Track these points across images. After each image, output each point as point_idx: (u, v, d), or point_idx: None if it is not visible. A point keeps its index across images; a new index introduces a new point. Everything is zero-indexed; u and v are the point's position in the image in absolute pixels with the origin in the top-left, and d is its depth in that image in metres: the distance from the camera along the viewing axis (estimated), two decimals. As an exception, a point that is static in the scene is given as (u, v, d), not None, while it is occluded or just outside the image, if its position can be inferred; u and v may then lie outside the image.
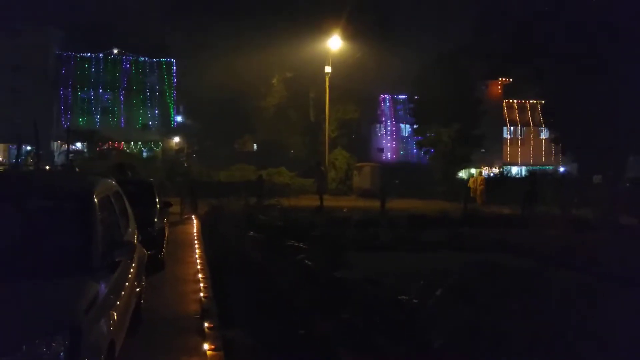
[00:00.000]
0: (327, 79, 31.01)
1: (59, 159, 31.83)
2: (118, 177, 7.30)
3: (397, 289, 5.10)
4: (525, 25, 21.55)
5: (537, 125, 48.22)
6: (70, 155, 27.49)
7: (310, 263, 6.04)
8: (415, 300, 4.29)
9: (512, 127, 49.52)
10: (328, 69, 30.99)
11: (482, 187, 25.36)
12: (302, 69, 32.97)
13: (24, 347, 2.87)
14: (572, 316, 4.14)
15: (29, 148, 36.40)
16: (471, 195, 25.21)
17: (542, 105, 36.06)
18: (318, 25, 30.27)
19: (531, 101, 47.87)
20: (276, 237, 7.79)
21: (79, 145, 35.97)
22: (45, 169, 26.55)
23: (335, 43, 30.74)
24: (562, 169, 41.79)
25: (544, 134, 47.87)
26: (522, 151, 49.55)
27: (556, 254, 9.51)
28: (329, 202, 24.87)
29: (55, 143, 39.10)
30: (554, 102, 25.54)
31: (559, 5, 20.89)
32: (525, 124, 49.62)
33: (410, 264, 8.52)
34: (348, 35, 30.78)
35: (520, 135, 49.87)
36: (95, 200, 4.12)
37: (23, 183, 4.71)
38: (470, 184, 25.87)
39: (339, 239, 6.53)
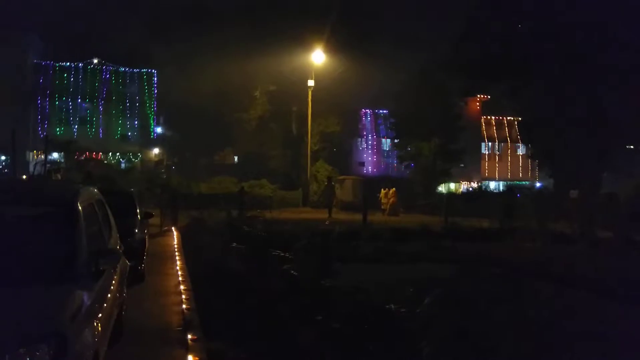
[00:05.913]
0: (309, 93, 31.24)
1: (34, 169, 31.13)
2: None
3: (381, 298, 5.14)
4: (503, 42, 22.13)
5: (514, 141, 49.26)
6: (47, 165, 26.92)
7: (296, 273, 6.03)
8: (402, 310, 4.34)
9: (490, 143, 50.45)
10: (311, 83, 31.25)
11: (392, 199, 25.89)
12: (285, 82, 33.15)
13: (7, 356, 2.79)
14: (554, 324, 4.25)
15: (3, 157, 35.57)
16: (382, 207, 25.86)
17: (519, 122, 36.89)
18: (301, 39, 30.56)
19: (508, 118, 48.93)
20: (260, 248, 7.77)
21: (55, 155, 35.27)
22: (22, 178, 25.94)
23: (318, 57, 31.06)
24: (538, 184, 42.64)
25: (521, 150, 48.91)
26: (500, 166, 50.46)
27: (535, 265, 9.69)
28: (311, 214, 24.90)
29: (30, 153, 38.28)
30: (530, 118, 26.16)
31: (534, 23, 21.53)
32: (502, 140, 50.62)
33: (391, 275, 8.60)
34: (331, 50, 31.14)
35: (498, 151, 50.82)
36: (80, 207, 4.06)
37: (6, 191, 4.63)
38: (382, 197, 26.38)
39: (325, 249, 6.58)
